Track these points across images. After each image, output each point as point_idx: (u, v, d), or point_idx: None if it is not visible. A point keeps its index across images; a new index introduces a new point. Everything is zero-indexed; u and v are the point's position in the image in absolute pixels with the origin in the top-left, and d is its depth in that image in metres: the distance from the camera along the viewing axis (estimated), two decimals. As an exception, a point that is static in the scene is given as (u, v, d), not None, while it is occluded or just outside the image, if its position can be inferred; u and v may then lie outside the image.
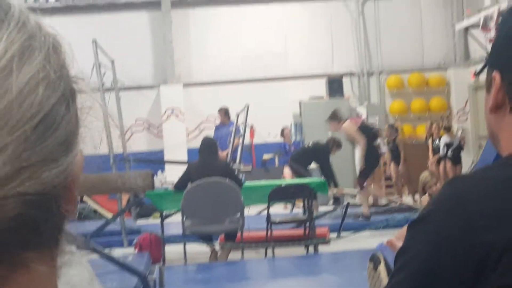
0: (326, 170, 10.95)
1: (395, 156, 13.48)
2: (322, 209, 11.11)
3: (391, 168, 13.65)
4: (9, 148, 0.50)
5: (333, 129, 10.29)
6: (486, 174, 1.12)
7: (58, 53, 0.57)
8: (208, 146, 8.13)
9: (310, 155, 11.06)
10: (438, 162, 13.45)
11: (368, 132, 10.10)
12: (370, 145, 9.96)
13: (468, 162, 14.08)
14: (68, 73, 0.57)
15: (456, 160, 13.26)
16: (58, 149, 0.53)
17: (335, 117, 10.02)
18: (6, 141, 0.50)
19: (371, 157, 9.97)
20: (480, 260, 1.04)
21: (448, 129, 13.49)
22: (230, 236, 7.96)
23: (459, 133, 15.10)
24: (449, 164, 13.20)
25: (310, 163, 11.08)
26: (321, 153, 10.99)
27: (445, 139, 13.28)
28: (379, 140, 13.04)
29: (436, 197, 1.13)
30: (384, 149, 13.06)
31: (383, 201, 11.93)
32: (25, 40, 0.53)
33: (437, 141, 13.51)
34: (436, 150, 13.51)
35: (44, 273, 0.54)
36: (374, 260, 3.24)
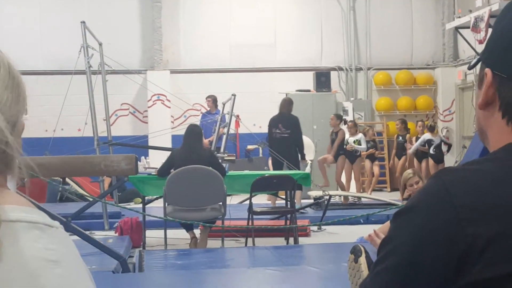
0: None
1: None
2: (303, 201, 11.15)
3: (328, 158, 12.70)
4: None
5: None
6: (473, 167, 1.13)
7: None
8: (194, 133, 8.13)
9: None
10: (420, 160, 13.54)
11: None
12: None
13: (451, 162, 14.18)
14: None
15: (439, 158, 13.34)
16: None
17: None
18: None
19: None
20: (462, 252, 1.05)
21: (432, 129, 13.54)
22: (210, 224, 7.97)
23: (444, 132, 15.18)
24: (431, 162, 13.28)
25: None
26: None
27: (426, 136, 13.37)
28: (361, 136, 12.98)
29: (422, 188, 1.14)
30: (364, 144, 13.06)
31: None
32: None
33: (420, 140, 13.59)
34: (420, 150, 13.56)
35: None
36: (355, 251, 3.27)
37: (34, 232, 0.79)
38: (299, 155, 11.13)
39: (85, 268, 0.90)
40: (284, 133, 11.02)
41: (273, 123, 11.22)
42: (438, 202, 1.08)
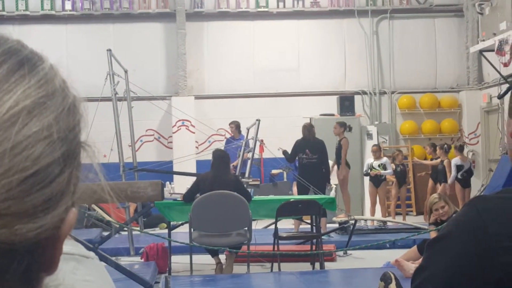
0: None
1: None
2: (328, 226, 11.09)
3: None
4: None
5: None
6: (506, 195, 1.13)
7: (72, 114, 0.59)
8: (221, 159, 8.15)
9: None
10: (440, 182, 13.41)
11: None
12: None
13: (477, 185, 14.03)
14: (75, 136, 0.59)
15: (465, 183, 13.19)
16: (40, 206, 0.54)
17: None
18: None
19: None
20: (498, 280, 1.05)
21: (461, 149, 13.36)
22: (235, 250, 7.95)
23: (470, 155, 15.03)
24: (458, 186, 13.13)
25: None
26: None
27: (456, 161, 13.20)
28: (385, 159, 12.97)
29: (456, 217, 1.14)
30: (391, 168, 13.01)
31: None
32: (41, 97, 0.55)
33: (440, 165, 13.45)
34: (441, 172, 13.38)
35: None
36: (385, 279, 3.26)
37: (71, 263, 0.80)
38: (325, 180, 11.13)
39: None
40: (312, 159, 10.98)
41: (299, 148, 11.16)
42: (473, 230, 1.08)
